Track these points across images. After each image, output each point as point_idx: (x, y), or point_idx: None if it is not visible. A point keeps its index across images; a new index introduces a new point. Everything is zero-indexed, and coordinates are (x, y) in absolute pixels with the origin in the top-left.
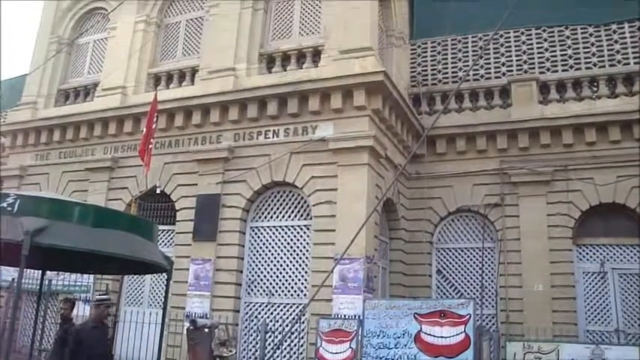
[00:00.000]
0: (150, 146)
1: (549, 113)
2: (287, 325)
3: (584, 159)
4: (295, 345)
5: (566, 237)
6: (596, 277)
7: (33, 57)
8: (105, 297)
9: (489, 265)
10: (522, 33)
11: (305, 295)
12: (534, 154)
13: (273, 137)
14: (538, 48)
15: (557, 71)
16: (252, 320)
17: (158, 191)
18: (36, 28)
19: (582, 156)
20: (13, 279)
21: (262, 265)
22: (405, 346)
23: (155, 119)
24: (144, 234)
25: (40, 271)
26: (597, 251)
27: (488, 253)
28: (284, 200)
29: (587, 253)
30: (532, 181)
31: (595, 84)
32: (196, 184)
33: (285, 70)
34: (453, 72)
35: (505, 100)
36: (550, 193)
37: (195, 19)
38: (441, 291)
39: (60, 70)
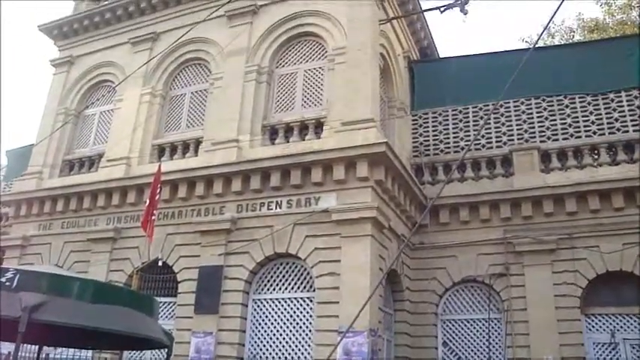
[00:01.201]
0: (153, 217)
1: (552, 182)
2: None
3: (588, 227)
4: None
5: (574, 306)
6: (607, 348)
7: (40, 128)
8: None
9: (496, 337)
10: (522, 103)
11: None
12: (538, 223)
13: (276, 208)
14: (538, 117)
15: (557, 140)
16: None
17: (160, 263)
18: (44, 100)
19: (587, 224)
20: (10, 352)
21: (265, 339)
22: None
23: (159, 190)
24: (144, 309)
25: (37, 346)
26: (607, 321)
27: (495, 324)
28: (287, 272)
29: (596, 323)
30: (537, 250)
31: (596, 152)
32: (199, 256)
33: (288, 142)
34: (454, 142)
35: (507, 169)
36: (555, 261)
37: (200, 91)
38: None
39: (66, 140)
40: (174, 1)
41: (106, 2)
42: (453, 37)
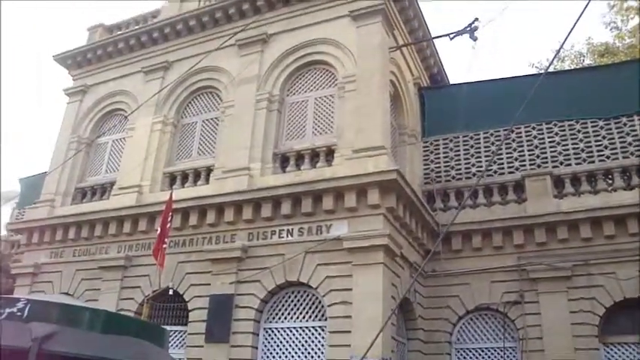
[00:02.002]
0: (164, 246)
1: (565, 207)
2: None
3: (604, 253)
4: None
5: (592, 335)
6: None
7: (53, 156)
8: None
9: None
10: (533, 128)
11: None
12: (552, 249)
13: (287, 236)
14: (550, 142)
15: (570, 165)
16: None
17: (171, 292)
18: (58, 128)
19: (602, 250)
20: None
21: None
22: None
23: (170, 218)
24: (154, 339)
25: None
26: (627, 350)
27: (510, 353)
28: (298, 301)
29: (615, 353)
30: (552, 277)
31: (610, 176)
32: (209, 284)
33: (299, 170)
34: (466, 168)
35: (519, 195)
36: (571, 289)
37: (211, 119)
38: None
39: (78, 168)
40: (185, 30)
41: (119, 32)
42: (463, 62)
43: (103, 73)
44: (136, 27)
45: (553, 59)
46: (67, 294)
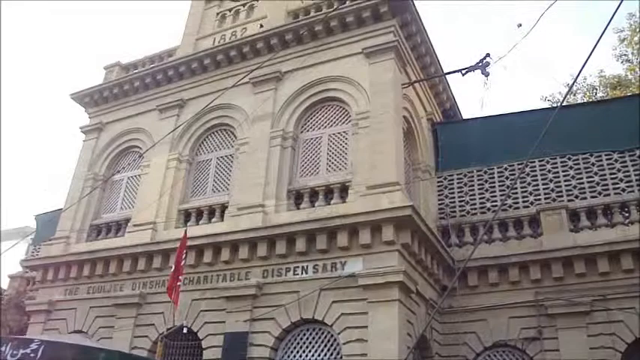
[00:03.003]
0: (178, 283)
1: (582, 241)
2: None
3: (623, 287)
4: None
5: None
6: None
7: (69, 193)
8: None
9: None
10: (547, 162)
11: None
12: (570, 284)
13: (302, 273)
14: (564, 176)
15: (585, 198)
16: None
17: (185, 330)
18: (73, 165)
19: (621, 284)
20: None
21: None
22: None
23: (184, 255)
24: None
25: None
26: None
27: None
28: (313, 338)
29: None
30: (570, 312)
31: (626, 209)
32: (224, 322)
33: (314, 206)
34: (480, 203)
35: (535, 229)
36: (591, 324)
37: (226, 156)
38: None
39: (93, 205)
40: (200, 68)
41: (136, 71)
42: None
43: (119, 110)
44: (152, 65)
45: (567, 94)
46: (80, 332)
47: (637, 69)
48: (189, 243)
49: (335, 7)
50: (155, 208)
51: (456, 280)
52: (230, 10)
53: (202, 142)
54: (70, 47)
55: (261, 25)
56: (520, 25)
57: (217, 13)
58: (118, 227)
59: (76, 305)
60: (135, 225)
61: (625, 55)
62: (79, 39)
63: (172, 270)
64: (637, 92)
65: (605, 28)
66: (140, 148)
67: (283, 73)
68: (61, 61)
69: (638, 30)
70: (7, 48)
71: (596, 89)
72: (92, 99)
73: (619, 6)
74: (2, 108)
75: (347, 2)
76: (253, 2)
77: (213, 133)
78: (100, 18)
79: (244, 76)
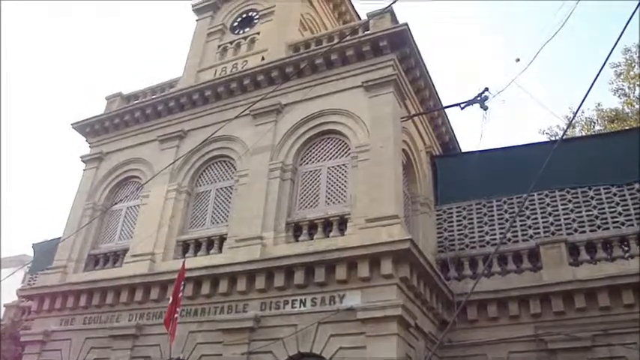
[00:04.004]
0: (175, 315)
1: (582, 275)
2: None
3: (624, 322)
4: None
5: None
6: None
7: (68, 222)
8: None
9: None
10: (546, 195)
11: None
12: (571, 319)
13: (300, 307)
14: (563, 209)
15: (585, 232)
16: None
17: None
18: (72, 194)
19: (622, 319)
20: None
21: None
22: None
23: (182, 287)
24: None
25: None
26: None
27: None
28: None
29: None
30: (571, 347)
31: (626, 243)
32: (221, 355)
33: (312, 239)
34: (479, 236)
35: (535, 263)
36: None
37: (225, 188)
38: None
39: (92, 235)
40: (201, 100)
41: (137, 101)
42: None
43: (120, 141)
44: (153, 96)
45: (567, 129)
46: None
47: (634, 103)
48: (187, 274)
49: (335, 40)
50: (153, 239)
51: (453, 312)
52: (231, 43)
53: (202, 174)
54: (73, 77)
55: (263, 58)
56: (518, 59)
57: (219, 46)
58: (115, 257)
59: (71, 336)
60: (133, 255)
61: (622, 89)
62: (83, 69)
63: (170, 301)
64: (634, 126)
65: (604, 65)
66: (140, 179)
67: (283, 105)
68: (65, 91)
69: (633, 65)
70: (12, 76)
71: (595, 123)
72: (93, 129)
73: (617, 42)
74: (3, 137)
75: (347, 36)
76: (254, 35)
77: (213, 164)
78: (105, 49)
79: (245, 109)
